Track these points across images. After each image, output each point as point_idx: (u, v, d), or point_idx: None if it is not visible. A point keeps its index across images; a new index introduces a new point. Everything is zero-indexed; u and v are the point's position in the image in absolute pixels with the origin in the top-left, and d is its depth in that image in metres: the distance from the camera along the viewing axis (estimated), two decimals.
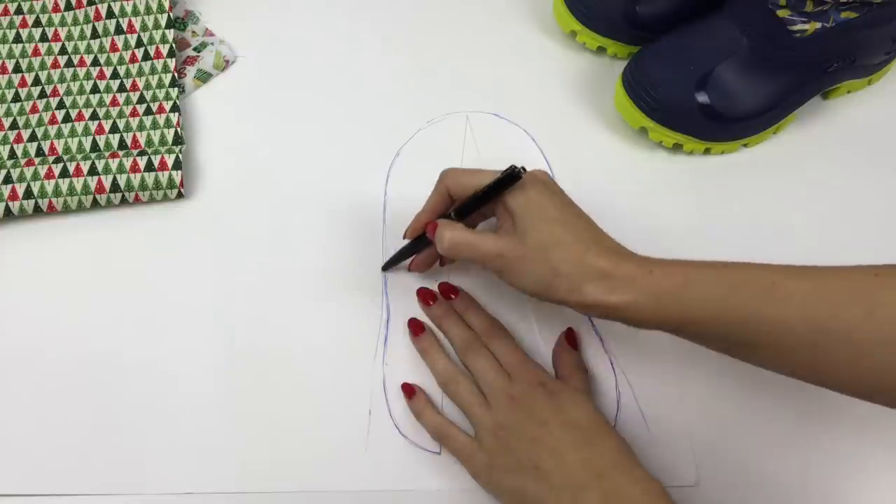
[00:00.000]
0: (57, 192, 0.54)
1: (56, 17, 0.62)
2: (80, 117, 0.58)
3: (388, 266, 0.54)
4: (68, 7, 0.62)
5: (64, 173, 0.55)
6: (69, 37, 0.62)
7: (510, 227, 0.46)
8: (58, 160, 0.56)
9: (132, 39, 0.61)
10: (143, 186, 0.55)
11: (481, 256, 0.45)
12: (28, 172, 0.55)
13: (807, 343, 0.40)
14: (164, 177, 0.55)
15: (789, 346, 0.40)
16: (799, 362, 0.41)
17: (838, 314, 0.39)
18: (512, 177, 0.45)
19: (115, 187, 0.55)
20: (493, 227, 0.49)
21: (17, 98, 0.59)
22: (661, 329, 0.43)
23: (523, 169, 0.45)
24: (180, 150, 0.57)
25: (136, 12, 0.61)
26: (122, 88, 0.60)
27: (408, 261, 0.53)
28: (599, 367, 0.51)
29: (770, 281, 0.41)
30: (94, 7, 0.62)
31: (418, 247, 0.51)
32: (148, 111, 0.59)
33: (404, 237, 0.52)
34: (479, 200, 0.47)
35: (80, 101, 0.59)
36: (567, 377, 0.49)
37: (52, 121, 0.58)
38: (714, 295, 0.41)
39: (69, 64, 0.60)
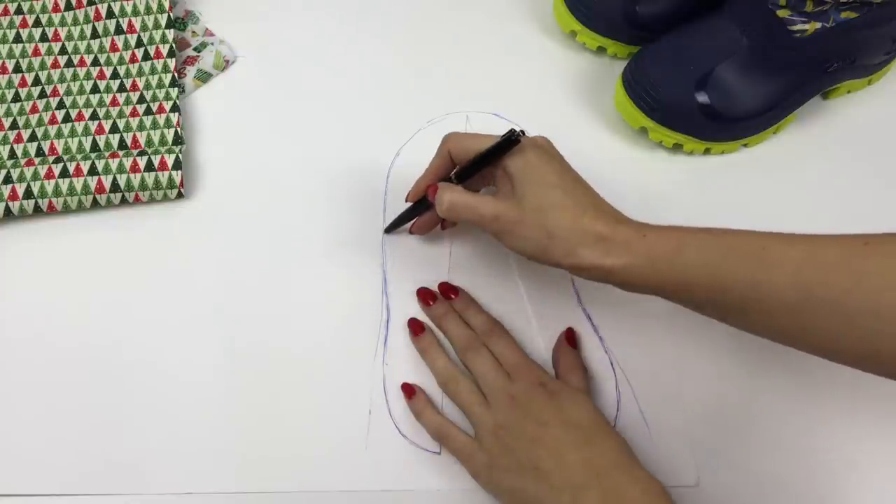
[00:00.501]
0: (57, 192, 0.54)
1: (56, 17, 0.62)
2: (80, 117, 0.58)
3: (391, 228, 0.55)
4: (68, 7, 0.62)
5: (64, 173, 0.55)
6: (69, 37, 0.62)
7: (509, 190, 0.46)
8: (58, 160, 0.56)
9: (132, 39, 0.61)
10: (143, 186, 0.55)
11: (479, 218, 0.46)
12: (28, 172, 0.55)
13: (796, 309, 0.40)
14: (164, 177, 0.55)
15: (779, 311, 0.41)
16: (788, 328, 0.42)
17: (827, 281, 0.39)
18: (511, 140, 0.46)
19: (115, 187, 0.55)
20: (493, 193, 0.49)
21: (17, 98, 0.59)
22: (654, 293, 0.44)
23: (523, 133, 0.46)
24: (180, 150, 0.57)
25: (136, 12, 0.61)
26: (122, 88, 0.60)
27: (408, 226, 0.55)
28: (599, 367, 0.51)
29: (761, 246, 0.41)
30: (94, 7, 0.62)
31: (419, 210, 0.52)
32: (148, 111, 0.59)
33: (406, 200, 0.52)
34: (479, 163, 0.47)
35: (80, 101, 0.59)
36: (567, 377, 0.49)
37: (52, 121, 0.58)
38: (707, 259, 0.42)
39: (69, 64, 0.60)
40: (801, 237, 0.41)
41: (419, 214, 0.53)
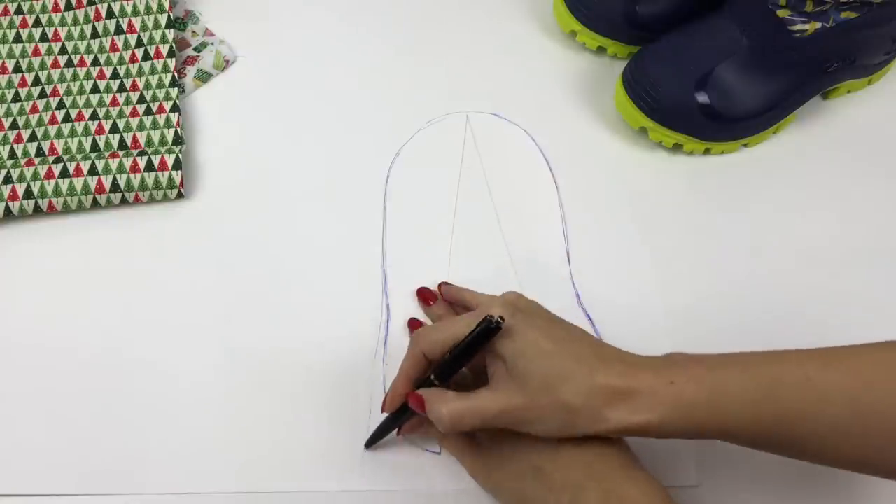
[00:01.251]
0: (57, 192, 0.54)
1: (56, 17, 0.62)
2: (80, 117, 0.58)
3: (372, 442, 0.48)
4: (68, 7, 0.62)
5: (64, 173, 0.55)
6: (69, 37, 0.62)
7: (503, 373, 0.42)
8: (58, 160, 0.56)
9: (132, 39, 0.61)
10: (143, 186, 0.55)
11: (489, 420, 0.41)
12: (28, 172, 0.55)
13: (854, 433, 0.39)
14: (164, 177, 0.55)
15: (835, 438, 0.39)
16: (847, 453, 0.40)
17: (883, 400, 0.38)
18: (490, 329, 0.41)
19: (115, 187, 0.55)
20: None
21: (17, 98, 0.59)
22: (697, 437, 0.41)
23: (501, 318, 0.41)
24: (180, 150, 0.57)
25: (136, 12, 0.61)
26: (122, 88, 0.60)
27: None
28: None
29: (805, 377, 0.39)
30: (94, 7, 0.62)
31: (401, 418, 0.46)
32: (148, 111, 0.59)
33: (383, 411, 0.47)
34: (461, 359, 0.43)
35: (80, 101, 0.59)
36: None
37: (52, 121, 0.58)
38: (748, 400, 0.39)
39: (69, 64, 0.60)
40: (841, 355, 0.40)
41: (402, 422, 0.47)
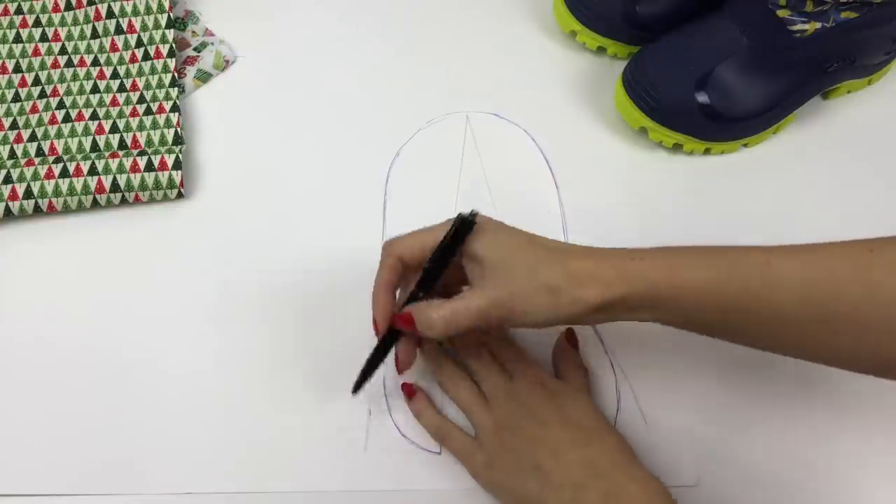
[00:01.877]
0: (57, 192, 0.54)
1: (56, 17, 0.62)
2: (80, 117, 0.58)
3: (360, 384, 0.47)
4: (68, 7, 0.62)
5: (64, 173, 0.55)
6: (69, 37, 0.62)
7: (483, 272, 0.43)
8: (58, 160, 0.56)
9: (132, 39, 0.61)
10: (143, 186, 0.55)
11: (481, 315, 0.42)
12: (28, 172, 0.55)
13: (807, 324, 0.40)
14: (164, 177, 0.55)
15: (789, 328, 0.40)
16: (799, 344, 0.41)
17: (838, 295, 0.39)
18: (465, 222, 0.42)
19: (115, 187, 0.55)
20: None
21: (17, 98, 0.59)
22: (658, 319, 0.43)
23: (473, 214, 0.43)
24: (180, 150, 0.57)
25: (136, 12, 0.61)
26: (122, 88, 0.60)
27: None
28: (599, 367, 0.51)
29: (764, 261, 0.40)
30: (94, 7, 0.62)
31: (387, 346, 0.46)
32: (148, 111, 0.59)
33: (377, 334, 0.46)
34: (442, 260, 0.43)
35: (80, 101, 0.59)
36: (567, 377, 0.49)
37: (52, 121, 0.58)
38: (706, 276, 0.40)
39: (69, 64, 0.60)
40: (803, 249, 0.41)
41: (389, 351, 0.46)
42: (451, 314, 0.42)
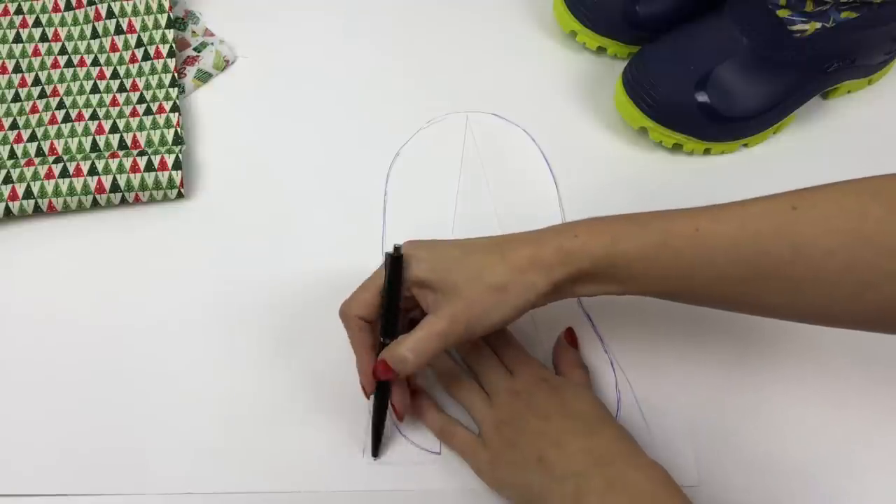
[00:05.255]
0: (57, 192, 0.54)
1: (56, 17, 0.62)
2: (80, 117, 0.58)
3: (377, 445, 0.48)
4: (68, 7, 0.62)
5: (64, 173, 0.55)
6: (69, 37, 0.62)
7: (434, 296, 0.44)
8: (58, 160, 0.56)
9: (132, 39, 0.61)
10: (143, 186, 0.55)
11: (446, 337, 0.43)
12: (28, 172, 0.55)
13: (742, 283, 0.41)
14: (164, 177, 0.55)
15: (726, 287, 0.42)
16: (739, 301, 0.43)
17: (767, 252, 0.40)
18: (395, 257, 0.44)
19: (115, 187, 0.55)
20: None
21: (17, 98, 0.59)
22: (607, 292, 0.44)
23: (397, 246, 0.45)
24: (180, 150, 0.57)
25: (136, 12, 0.61)
26: (122, 88, 0.60)
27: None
28: (599, 367, 0.51)
29: (694, 227, 0.41)
30: (94, 7, 0.62)
31: (384, 400, 0.47)
32: (148, 111, 0.59)
33: (368, 396, 0.47)
34: (392, 302, 0.45)
35: (80, 101, 0.59)
36: (568, 374, 0.49)
37: (52, 121, 0.58)
38: (643, 249, 0.42)
39: (69, 64, 0.60)
40: (728, 209, 0.42)
41: (385, 404, 0.47)
42: (416, 344, 0.43)
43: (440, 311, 0.43)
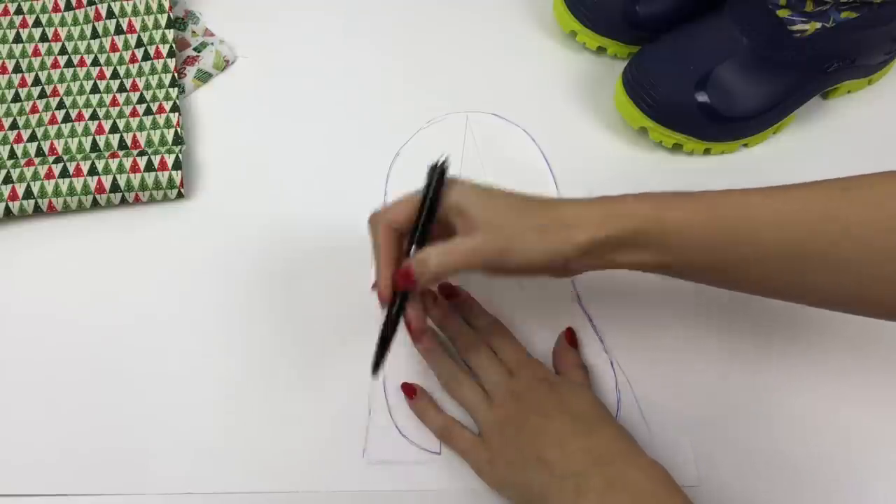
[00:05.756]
0: (57, 192, 0.54)
1: (56, 17, 0.62)
2: (80, 117, 0.58)
3: (378, 363, 0.45)
4: (68, 7, 0.62)
5: (64, 173, 0.55)
6: (69, 37, 0.62)
7: (469, 219, 0.43)
8: (58, 160, 0.56)
9: (132, 39, 0.61)
10: (143, 186, 0.55)
11: (474, 256, 0.42)
12: (28, 172, 0.55)
13: (787, 262, 0.41)
14: (164, 177, 0.55)
15: (770, 266, 0.41)
16: (782, 283, 0.43)
17: (814, 234, 0.40)
18: (437, 169, 0.44)
19: (115, 187, 0.55)
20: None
21: (17, 98, 0.59)
22: (645, 263, 0.43)
23: (442, 158, 0.45)
24: (180, 150, 0.57)
25: (136, 12, 0.61)
26: (122, 88, 0.60)
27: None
28: (599, 367, 0.51)
29: (745, 200, 0.42)
30: (94, 7, 0.62)
31: (397, 317, 0.45)
32: (148, 111, 0.59)
33: (383, 305, 0.45)
34: (429, 213, 0.44)
35: (80, 101, 0.59)
36: (568, 375, 0.49)
37: (52, 121, 0.58)
38: (690, 217, 0.42)
39: (69, 64, 0.60)
40: (779, 189, 0.42)
41: (398, 318, 0.45)
42: (444, 252, 0.42)
43: (474, 232, 0.42)
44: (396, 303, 0.44)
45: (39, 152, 0.57)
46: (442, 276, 0.43)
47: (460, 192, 0.44)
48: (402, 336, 0.52)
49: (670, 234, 0.42)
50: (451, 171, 0.45)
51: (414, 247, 0.44)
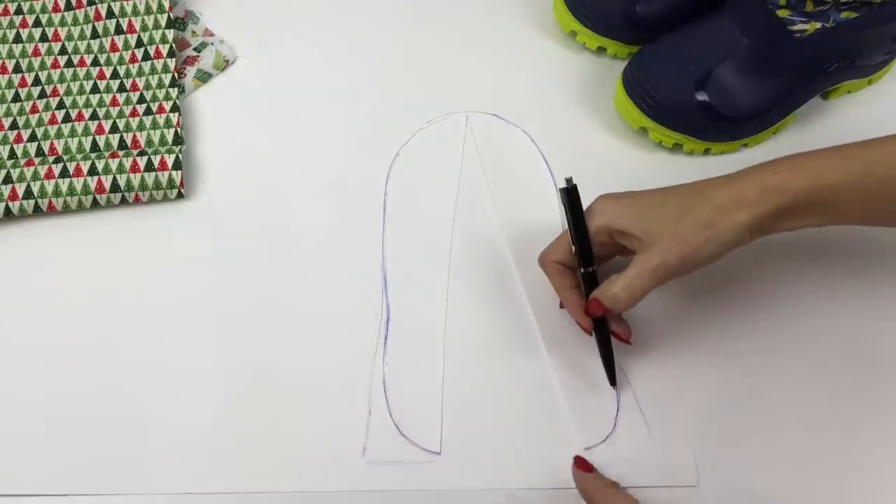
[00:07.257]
0: (57, 192, 0.54)
1: (56, 17, 0.62)
2: (80, 117, 0.58)
3: (612, 374, 0.50)
4: (68, 7, 0.62)
5: (64, 173, 0.55)
6: (69, 37, 0.62)
7: (639, 240, 0.45)
8: (58, 160, 0.56)
9: (132, 39, 0.61)
10: (143, 186, 0.55)
11: (657, 276, 0.45)
12: (28, 172, 0.55)
13: None
14: (164, 177, 0.55)
15: None
16: None
17: None
18: (569, 189, 0.48)
19: (115, 187, 0.55)
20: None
21: (17, 98, 0.59)
22: (809, 224, 0.45)
23: (568, 181, 0.49)
24: (180, 150, 0.57)
25: (136, 12, 0.61)
26: (122, 88, 0.60)
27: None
28: (600, 367, 0.51)
29: (890, 150, 0.44)
30: (94, 7, 0.62)
31: (604, 333, 0.49)
32: (148, 111, 0.59)
33: (589, 333, 0.49)
34: (580, 235, 0.48)
35: (80, 101, 0.59)
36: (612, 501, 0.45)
37: (52, 121, 0.58)
38: (847, 180, 0.43)
39: (69, 64, 0.60)
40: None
41: (607, 336, 0.49)
42: (628, 282, 0.45)
43: (651, 249, 0.45)
44: (598, 323, 0.49)
45: (39, 152, 0.57)
46: (636, 302, 0.46)
47: (604, 208, 0.47)
48: (401, 337, 0.52)
49: (828, 201, 0.44)
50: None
51: (584, 269, 0.48)
